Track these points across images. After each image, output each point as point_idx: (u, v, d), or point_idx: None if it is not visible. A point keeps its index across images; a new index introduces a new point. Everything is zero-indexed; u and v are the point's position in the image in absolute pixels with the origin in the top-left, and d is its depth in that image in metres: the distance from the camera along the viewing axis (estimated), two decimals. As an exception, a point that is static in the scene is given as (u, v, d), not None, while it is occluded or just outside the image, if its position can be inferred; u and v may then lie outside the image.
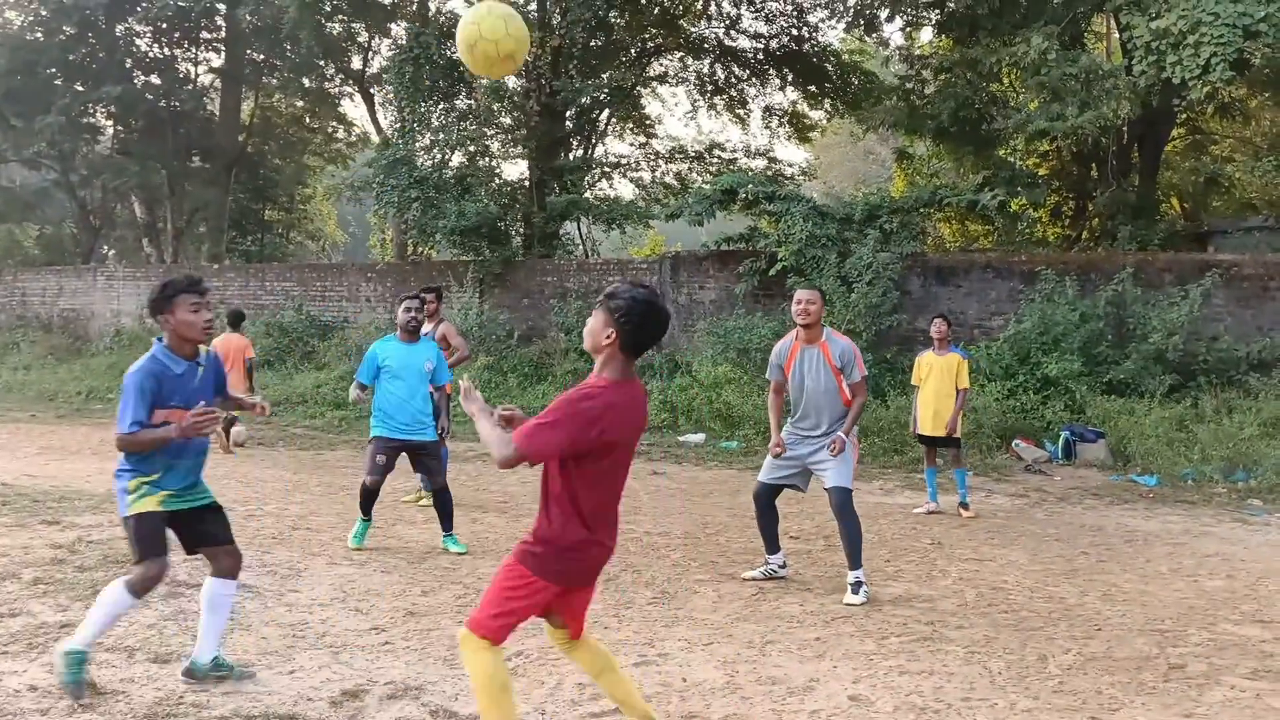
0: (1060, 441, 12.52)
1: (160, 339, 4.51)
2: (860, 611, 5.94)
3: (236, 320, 12.92)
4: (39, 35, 25.47)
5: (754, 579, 6.66)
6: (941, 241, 21.49)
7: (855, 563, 6.26)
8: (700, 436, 13.85)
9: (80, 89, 25.25)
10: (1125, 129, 17.44)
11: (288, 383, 17.63)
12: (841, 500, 6.32)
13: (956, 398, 9.33)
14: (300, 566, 6.69)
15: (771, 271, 15.64)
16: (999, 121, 16.63)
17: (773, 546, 6.76)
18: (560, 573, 3.59)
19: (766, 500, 6.70)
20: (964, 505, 9.27)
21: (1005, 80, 18.64)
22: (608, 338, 3.53)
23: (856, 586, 6.20)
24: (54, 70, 25.29)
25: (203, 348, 4.61)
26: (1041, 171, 19.85)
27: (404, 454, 7.43)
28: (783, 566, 6.77)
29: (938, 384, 9.39)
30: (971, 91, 17.81)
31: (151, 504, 4.42)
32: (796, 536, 8.10)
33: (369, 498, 7.35)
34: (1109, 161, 18.40)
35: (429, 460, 7.43)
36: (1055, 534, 8.44)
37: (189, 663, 4.54)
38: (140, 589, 4.42)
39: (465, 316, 17.80)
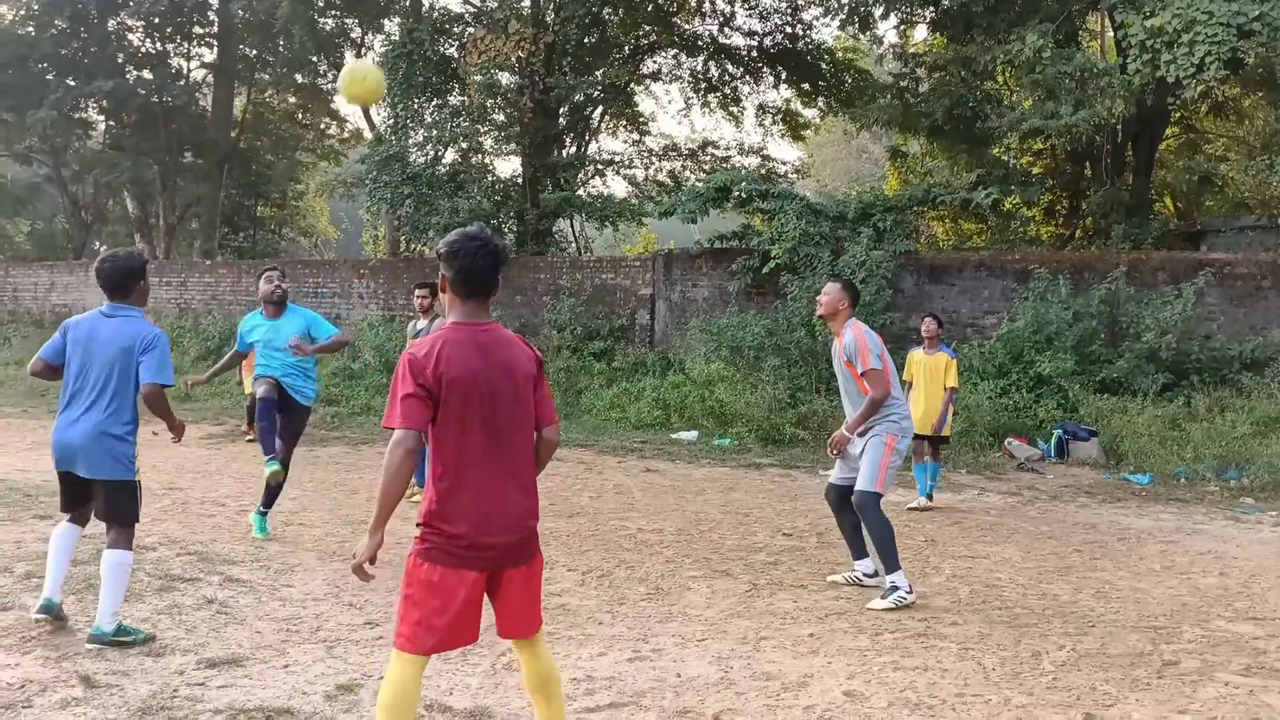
0: (1053, 440, 12.55)
1: (121, 306, 4.98)
2: (854, 608, 5.94)
3: None
4: (30, 29, 25.35)
5: (836, 583, 6.50)
6: (935, 240, 21.52)
7: (889, 567, 6.05)
8: (693, 434, 13.84)
9: (72, 84, 25.14)
10: (1119, 128, 17.47)
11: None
12: (860, 501, 6.14)
13: (944, 396, 9.37)
14: (293, 562, 6.67)
15: (765, 269, 15.65)
16: (993, 120, 16.63)
17: (858, 551, 6.48)
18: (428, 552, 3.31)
19: (836, 502, 6.50)
20: (929, 496, 9.39)
21: (999, 78, 18.67)
22: (443, 288, 3.40)
23: (890, 591, 6.00)
24: (46, 64, 25.16)
25: None
26: (1035, 170, 19.90)
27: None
28: (871, 575, 6.40)
29: (926, 383, 9.44)
30: (965, 90, 17.84)
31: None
32: (790, 533, 8.10)
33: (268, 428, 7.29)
34: (1103, 160, 18.45)
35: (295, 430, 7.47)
36: (1048, 531, 8.46)
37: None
38: (132, 542, 4.98)
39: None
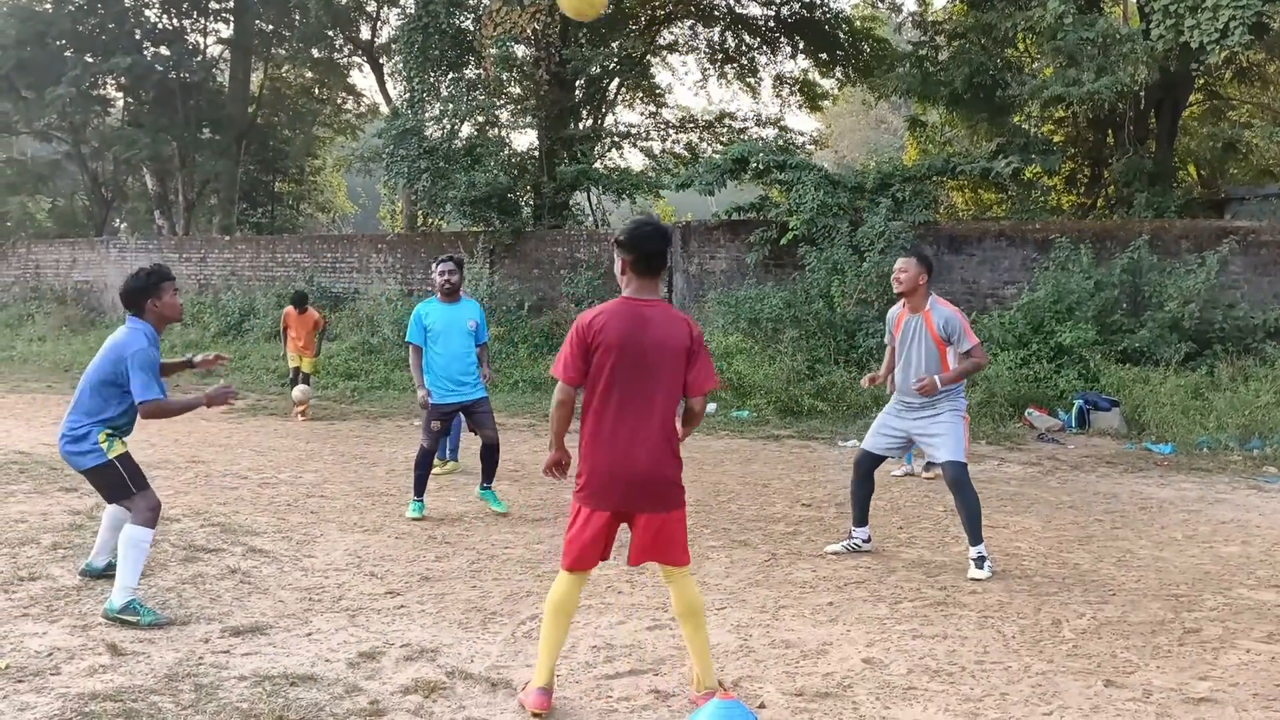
0: (1074, 410, 12.48)
1: (139, 320, 5.11)
2: (873, 576, 5.95)
3: (301, 300, 13.46)
4: (48, 6, 25.37)
5: (836, 553, 6.47)
6: (954, 210, 21.36)
7: (975, 538, 6.04)
8: (712, 406, 13.84)
9: (90, 60, 25.17)
10: (1142, 94, 17.25)
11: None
12: (955, 475, 6.07)
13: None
14: (315, 533, 6.72)
15: (783, 241, 15.58)
16: (1014, 88, 16.46)
17: (861, 519, 6.53)
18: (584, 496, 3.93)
19: (866, 469, 6.49)
20: (930, 466, 9.34)
21: (1020, 46, 18.47)
22: (621, 269, 3.95)
23: (980, 561, 5.99)
24: (64, 41, 25.20)
25: None
26: (1056, 138, 19.69)
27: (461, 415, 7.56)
28: (867, 541, 6.52)
29: None
30: (986, 57, 17.64)
31: (122, 448, 5.08)
32: (809, 504, 8.11)
33: (423, 465, 7.38)
34: (1125, 128, 18.22)
35: (481, 415, 7.43)
36: (1069, 501, 8.43)
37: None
38: (152, 518, 5.02)
39: (475, 287, 17.78)
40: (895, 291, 6.39)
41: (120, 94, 27.69)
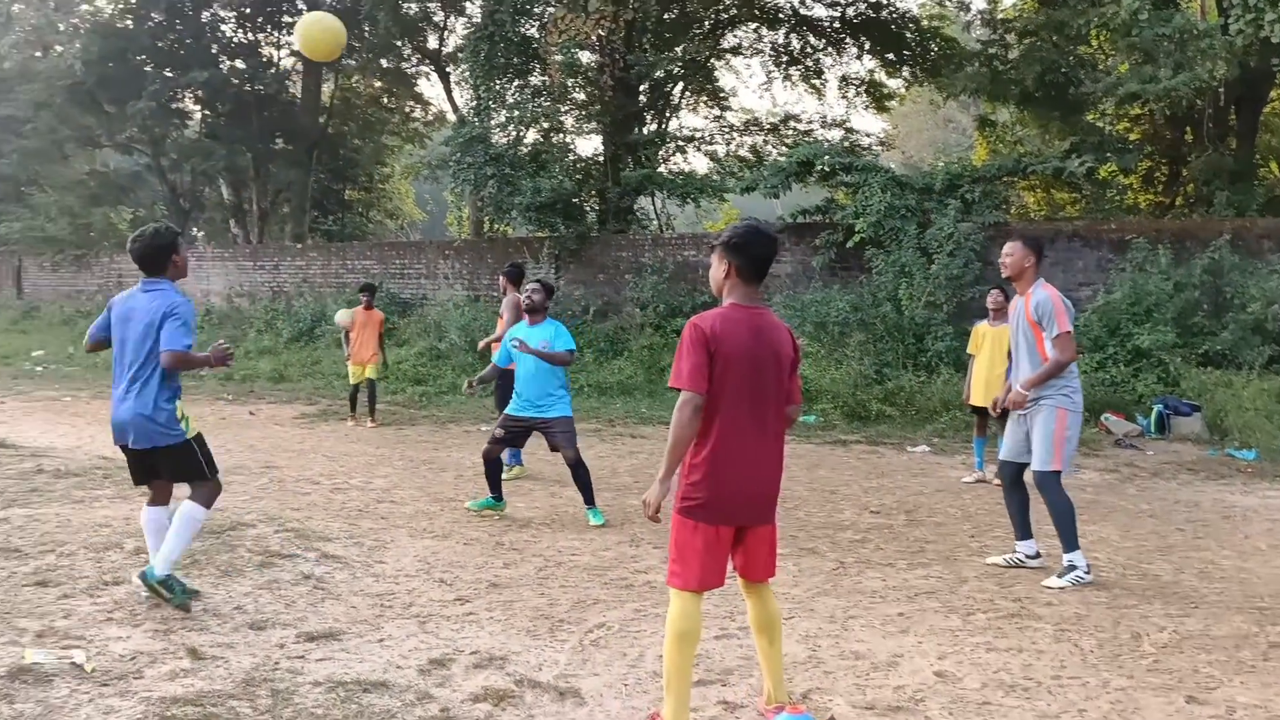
0: (1153, 415, 12.19)
1: (155, 281, 5.12)
2: (944, 587, 5.86)
3: (371, 293, 13.20)
4: (129, 23, 26.11)
5: (996, 565, 6.32)
6: (1026, 211, 21.00)
7: (1067, 545, 5.92)
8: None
9: (169, 75, 25.84)
10: (1221, 91, 16.82)
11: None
12: (1038, 481, 5.98)
13: (1008, 369, 9.17)
14: (386, 539, 6.81)
15: (849, 244, 15.46)
16: (1087, 85, 16.14)
17: (1022, 532, 6.32)
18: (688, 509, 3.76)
19: (1010, 478, 6.31)
20: (979, 470, 9.39)
21: (1093, 42, 18.11)
22: (724, 272, 3.83)
23: (1067, 570, 5.89)
24: (144, 57, 25.91)
25: None
26: (1133, 136, 19.27)
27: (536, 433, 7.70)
28: (1034, 556, 6.28)
29: (990, 355, 9.33)
30: (1058, 55, 17.34)
31: (197, 426, 5.17)
32: (878, 511, 8.02)
33: (490, 468, 7.58)
34: (1204, 125, 17.78)
35: (555, 435, 7.54)
36: (1148, 510, 8.23)
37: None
38: (212, 502, 5.16)
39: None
40: (1003, 276, 6.30)
41: (197, 107, 28.39)
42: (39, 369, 19.95)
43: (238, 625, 4.92)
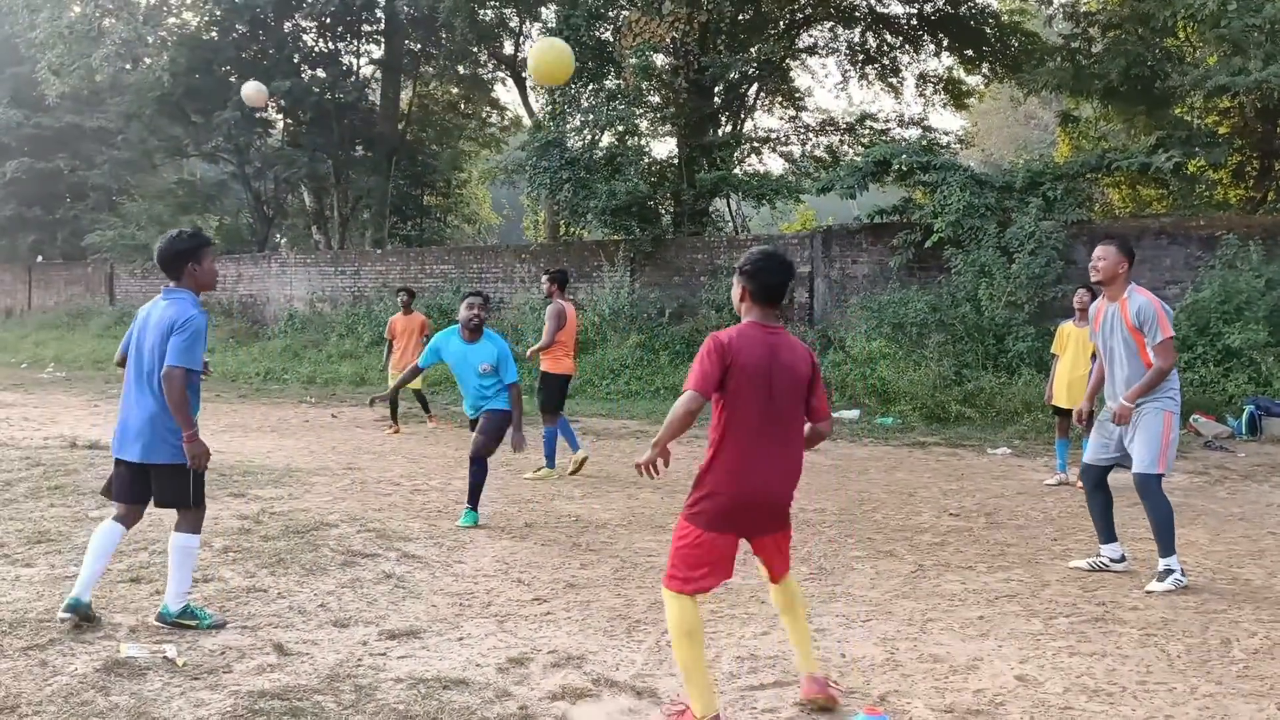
0: (1244, 416, 11.85)
1: (174, 289, 4.95)
2: (1026, 590, 5.77)
3: (410, 298, 13.21)
4: (214, 35, 26.84)
5: (1080, 569, 6.24)
6: (1110, 208, 20.52)
7: (1164, 549, 5.82)
8: (855, 413, 13.66)
9: (253, 85, 26.49)
10: (1315, 82, 16.24)
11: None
12: (1140, 484, 5.89)
13: (1093, 369, 8.96)
14: (465, 539, 6.91)
15: (927, 244, 15.27)
16: (1174, 78, 15.72)
17: (1106, 535, 6.23)
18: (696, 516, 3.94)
19: (1093, 482, 6.24)
20: (1061, 472, 9.21)
21: (1180, 34, 17.63)
22: (740, 295, 4.06)
23: (1164, 574, 5.79)
24: (228, 67, 26.61)
25: None
26: (1222, 130, 18.69)
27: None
28: (1119, 560, 6.20)
29: (1074, 356, 9.15)
30: (1143, 48, 16.93)
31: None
32: (957, 514, 7.92)
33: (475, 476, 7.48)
34: (1297, 117, 17.20)
35: (488, 423, 7.45)
36: (1239, 513, 8.00)
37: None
38: (199, 527, 4.99)
39: (617, 295, 18.00)
40: (1092, 280, 6.16)
41: (280, 116, 29.05)
42: (132, 373, 20.58)
43: (322, 623, 5.04)
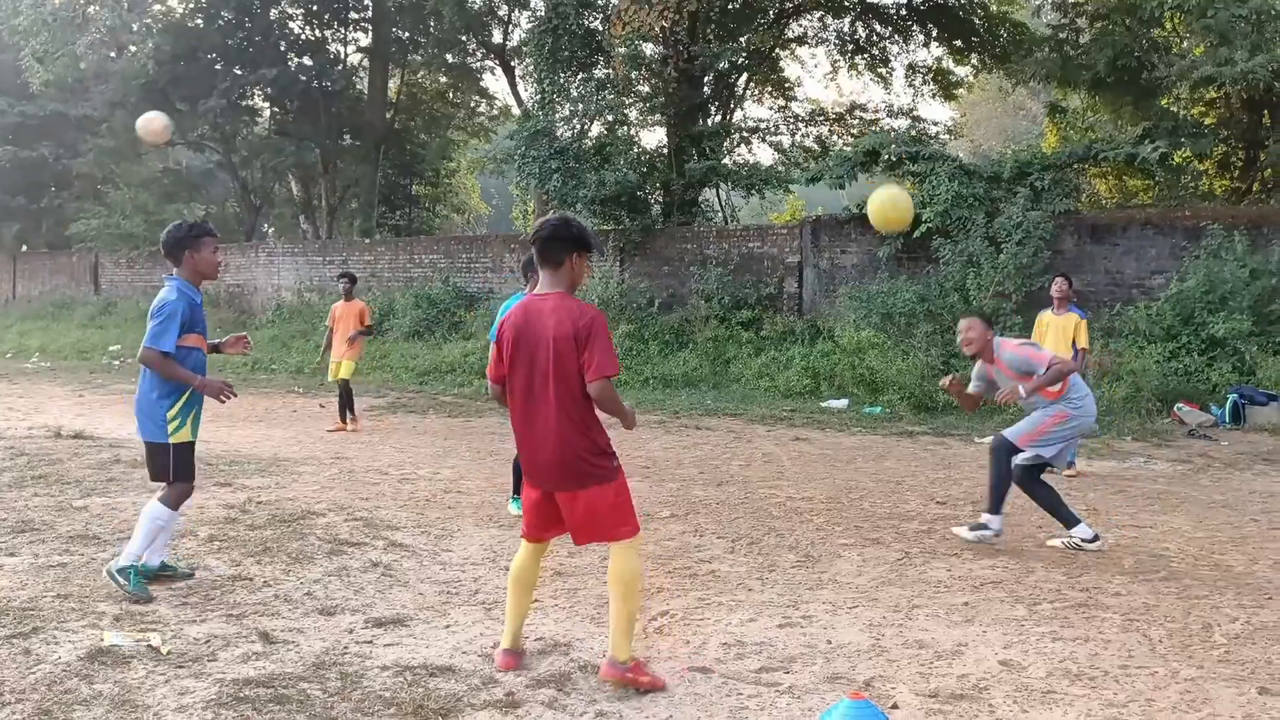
0: (1228, 405, 11.91)
1: (172, 275, 5.29)
2: (1011, 577, 5.80)
3: (352, 282, 12.36)
4: (199, 22, 26.69)
5: (961, 536, 6.61)
6: (1097, 198, 20.57)
7: (992, 508, 6.46)
8: (843, 402, 13.69)
9: (239, 73, 26.36)
10: (1301, 72, 16.29)
11: (436, 352, 18.18)
12: (995, 443, 6.51)
13: (1074, 358, 9.06)
14: (452, 528, 6.92)
15: (916, 234, 15.27)
16: (1161, 69, 15.75)
17: (1069, 521, 6.46)
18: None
19: (1001, 455, 6.57)
20: (1070, 464, 9.12)
21: (1167, 25, 17.65)
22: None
23: (977, 527, 6.49)
24: (214, 55, 26.46)
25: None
26: (1208, 121, 18.75)
27: None
28: (1090, 540, 6.37)
29: (1054, 344, 9.21)
30: (1130, 38, 16.96)
31: (187, 435, 5.24)
32: (943, 502, 7.95)
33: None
34: (1283, 108, 17.26)
35: None
36: (1222, 500, 8.05)
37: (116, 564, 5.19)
38: (177, 504, 5.26)
39: (606, 285, 17.98)
40: (966, 354, 6.66)
41: (267, 104, 28.93)
42: (115, 363, 20.56)
43: (308, 611, 5.04)
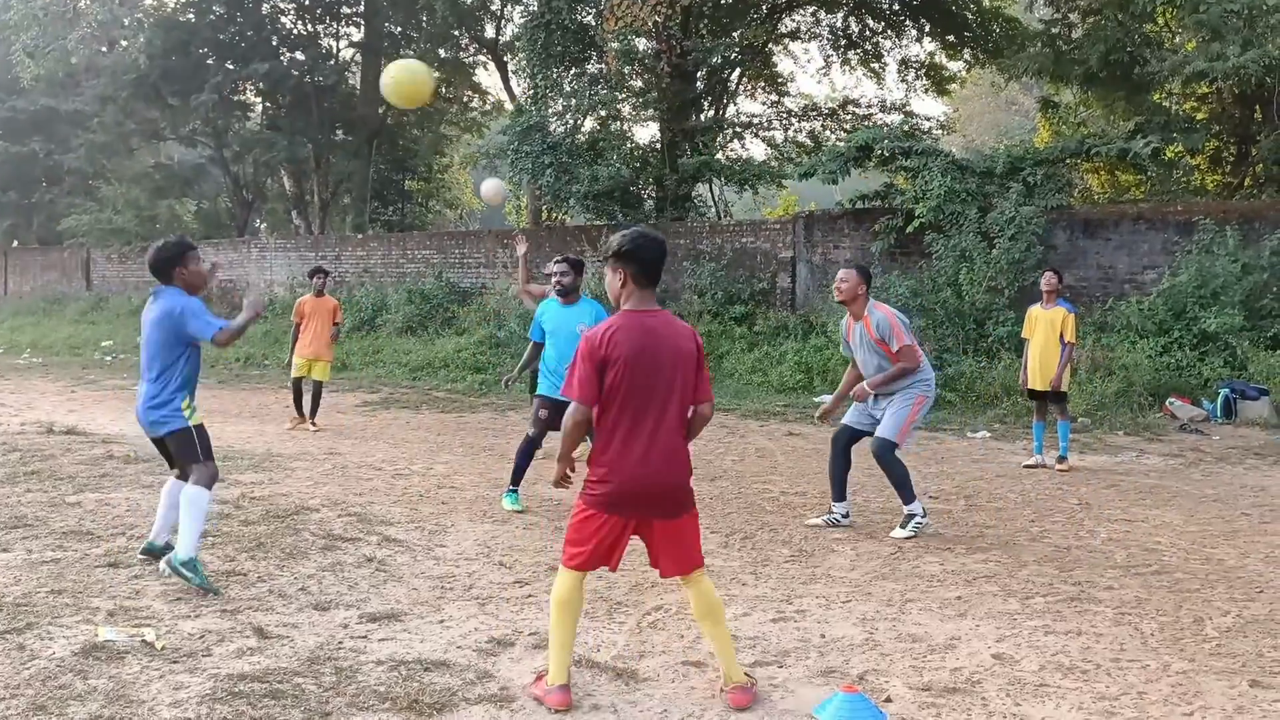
0: (1219, 400, 11.96)
1: (171, 289, 5.46)
2: (1003, 571, 5.82)
3: (325, 276, 11.92)
4: (191, 17, 26.59)
5: (816, 526, 6.91)
6: (1090, 193, 20.60)
7: (906, 499, 6.70)
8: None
9: (230, 67, 26.27)
10: (1292, 68, 16.33)
11: (429, 348, 18.16)
12: (876, 448, 6.71)
13: (1061, 351, 9.13)
14: (446, 523, 6.92)
15: (909, 229, 15.30)
16: (1153, 64, 15.78)
17: (839, 494, 6.98)
18: (595, 500, 3.93)
19: (842, 443, 6.99)
20: (1062, 458, 9.24)
21: (1160, 20, 17.69)
22: (621, 282, 3.93)
23: (906, 520, 6.66)
24: (206, 50, 26.38)
25: None
26: (1199, 116, 18.80)
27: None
28: (845, 517, 6.95)
29: (1043, 338, 9.33)
30: (1123, 33, 16.97)
31: (200, 417, 5.53)
32: (936, 496, 7.97)
33: (524, 454, 7.41)
34: (1275, 103, 17.27)
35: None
36: (1213, 494, 8.09)
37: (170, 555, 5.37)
38: (211, 484, 5.47)
39: (599, 281, 17.95)
40: (836, 300, 6.89)
41: (259, 99, 28.85)
42: (108, 359, 20.51)
43: (302, 606, 5.04)
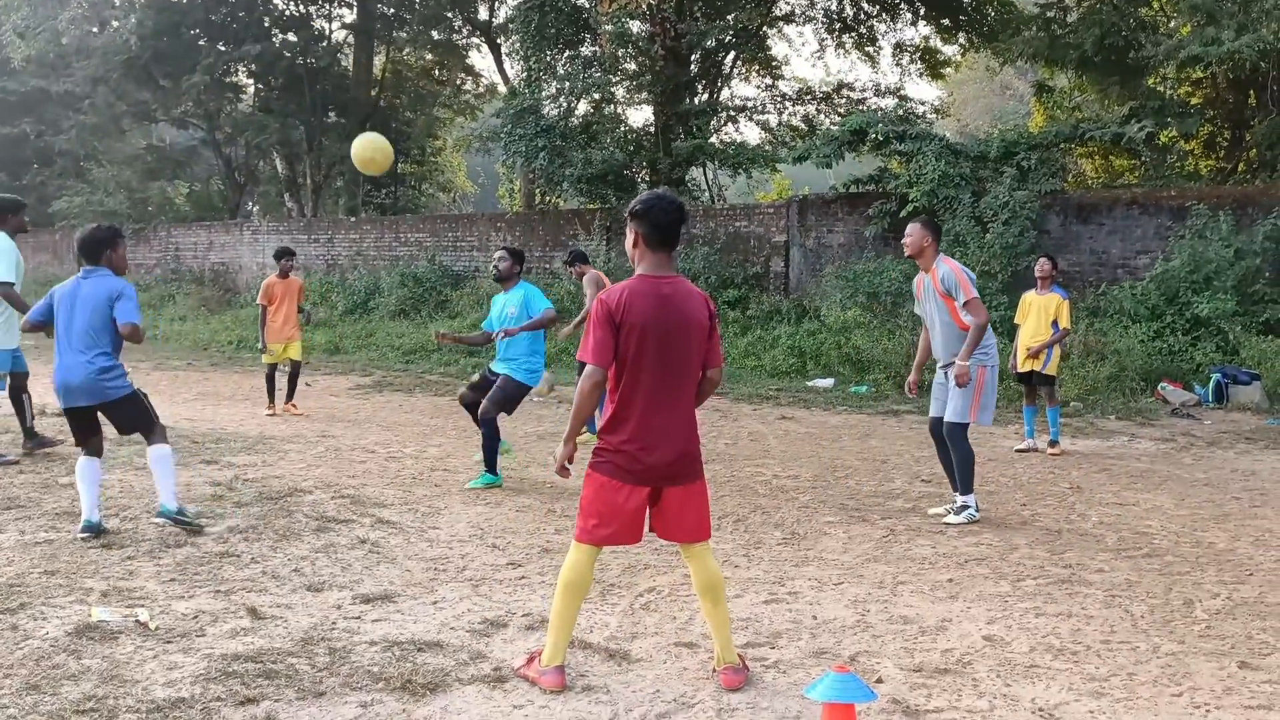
0: (1211, 384, 12.00)
1: (105, 270, 5.98)
2: (994, 553, 5.85)
3: (291, 256, 11.65)
4: (182, -3, 26.43)
5: (938, 515, 6.76)
6: (1084, 178, 20.61)
7: (964, 489, 6.59)
8: (829, 381, 13.73)
9: (222, 49, 26.13)
10: (1286, 53, 16.33)
11: (422, 331, 18.12)
12: (949, 430, 6.62)
13: (1052, 334, 9.24)
14: (439, 505, 6.92)
15: (903, 213, 15.28)
16: (1148, 49, 15.76)
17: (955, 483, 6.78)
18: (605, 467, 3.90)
19: (937, 434, 6.85)
20: (1054, 443, 9.30)
21: (1155, 4, 17.68)
22: (634, 242, 3.93)
23: (961, 509, 6.57)
24: (197, 31, 26.21)
25: None
26: (1194, 100, 18.80)
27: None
28: (977, 510, 6.71)
29: (1036, 323, 9.41)
30: (1118, 17, 16.95)
31: (137, 383, 6.03)
32: (928, 480, 7.99)
33: (492, 439, 7.59)
34: (1269, 88, 17.28)
35: (493, 390, 7.64)
36: (1204, 478, 8.12)
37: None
38: (166, 438, 6.09)
39: (593, 264, 17.93)
40: (905, 254, 6.82)
41: (251, 81, 28.68)
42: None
43: (296, 587, 5.05)
